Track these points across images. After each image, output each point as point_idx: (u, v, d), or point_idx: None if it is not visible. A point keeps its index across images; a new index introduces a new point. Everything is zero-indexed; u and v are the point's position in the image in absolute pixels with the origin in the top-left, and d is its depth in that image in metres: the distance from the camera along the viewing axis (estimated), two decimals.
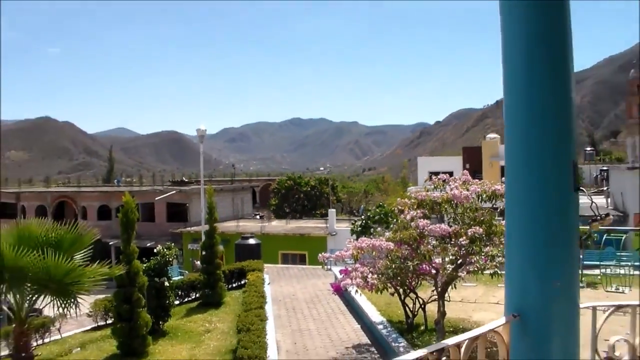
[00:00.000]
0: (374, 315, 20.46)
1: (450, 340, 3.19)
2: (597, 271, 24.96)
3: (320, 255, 17.00)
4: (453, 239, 15.22)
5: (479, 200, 16.03)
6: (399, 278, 15.79)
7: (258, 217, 64.35)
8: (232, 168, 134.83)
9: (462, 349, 3.17)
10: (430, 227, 14.96)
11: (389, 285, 16.62)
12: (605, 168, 57.20)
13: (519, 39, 3.20)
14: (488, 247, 15.08)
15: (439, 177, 17.11)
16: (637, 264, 24.63)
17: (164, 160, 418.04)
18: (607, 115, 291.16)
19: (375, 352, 17.50)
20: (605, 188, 53.93)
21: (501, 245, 15.29)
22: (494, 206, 17.27)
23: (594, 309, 5.21)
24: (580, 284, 24.53)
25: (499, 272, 15.40)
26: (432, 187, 16.74)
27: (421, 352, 2.97)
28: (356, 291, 17.02)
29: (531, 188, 3.14)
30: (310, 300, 24.95)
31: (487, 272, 15.58)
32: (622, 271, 23.86)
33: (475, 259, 15.10)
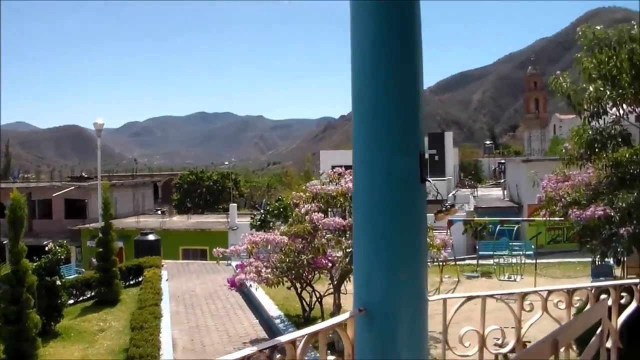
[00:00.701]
0: (272, 310, 20.38)
1: (285, 337, 3.06)
2: (491, 261, 25.63)
3: (214, 250, 16.77)
4: (348, 232, 15.26)
5: None
6: (293, 272, 15.71)
7: (160, 212, 63.21)
8: (135, 163, 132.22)
9: (300, 346, 3.04)
10: (324, 220, 14.94)
11: (285, 279, 16.54)
12: (502, 161, 58.79)
13: (368, 26, 3.13)
14: None
15: (334, 170, 17.17)
16: (529, 252, 25.36)
17: (65, 155, 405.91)
18: (507, 110, 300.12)
19: None
20: (502, 180, 55.49)
21: None
22: None
23: (445, 301, 5.19)
24: (475, 274, 25.17)
25: None
26: (328, 180, 16.75)
27: (249, 350, 2.83)
28: (252, 285, 16.87)
29: (377, 179, 3.07)
30: (209, 295, 24.63)
31: None
32: (514, 260, 24.55)
33: None
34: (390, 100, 3.04)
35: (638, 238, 11.68)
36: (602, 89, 13.07)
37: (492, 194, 55.60)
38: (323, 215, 15.25)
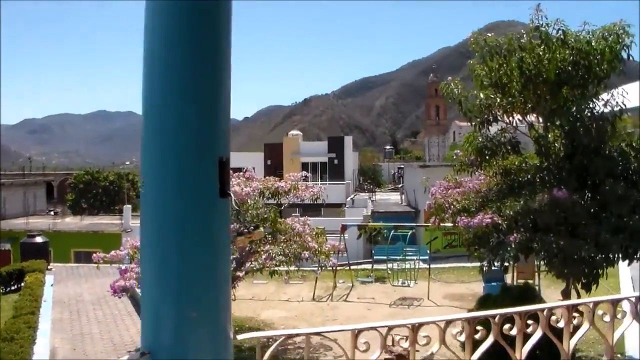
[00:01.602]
0: None
1: None
2: (386, 266, 25.61)
3: (94, 255, 15.95)
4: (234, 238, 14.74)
5: (262, 197, 15.72)
6: None
7: (52, 213, 60.92)
8: (29, 161, 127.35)
9: None
10: None
11: None
12: (402, 166, 59.46)
13: (162, 20, 2.63)
14: (268, 246, 14.77)
15: None
16: (423, 257, 25.44)
17: None
18: (409, 116, 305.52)
19: None
20: (400, 185, 56.06)
21: (284, 244, 15.09)
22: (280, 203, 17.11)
23: (258, 340, 4.68)
24: (369, 279, 25.08)
25: (278, 270, 15.21)
26: None
27: None
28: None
29: (166, 193, 2.54)
30: (97, 301, 23.57)
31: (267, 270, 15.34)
32: (408, 265, 24.59)
33: (254, 258, 14.77)
34: (183, 98, 2.54)
35: (524, 245, 11.66)
36: (492, 96, 13.08)
37: (390, 198, 56.11)
38: None
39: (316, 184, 57.85)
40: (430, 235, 28.04)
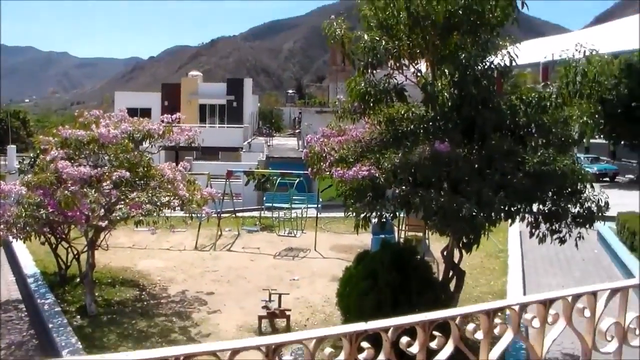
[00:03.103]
0: (28, 267, 18.38)
1: None
2: (274, 214, 24.74)
3: None
4: (96, 184, 13.46)
5: (131, 140, 14.44)
6: (35, 227, 13.60)
7: None
8: None
9: None
10: (67, 170, 12.99)
11: (35, 234, 14.46)
12: (300, 111, 58.47)
13: None
14: (135, 193, 13.54)
15: (91, 112, 15.22)
16: (312, 206, 24.63)
17: None
18: (316, 61, 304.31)
19: (24, 309, 15.61)
20: (298, 131, 55.15)
21: (152, 191, 13.91)
22: (176, 146, 15.93)
23: None
24: (255, 228, 24.18)
25: (145, 220, 14.05)
26: (84, 123, 14.79)
27: None
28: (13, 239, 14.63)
29: None
30: None
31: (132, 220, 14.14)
32: (295, 214, 23.78)
33: (121, 205, 13.54)
34: None
35: (403, 201, 10.87)
36: (377, 38, 12.08)
37: (287, 143, 55.19)
38: (69, 164, 13.27)
39: (213, 126, 56.78)
40: (325, 183, 27.20)
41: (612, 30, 62.09)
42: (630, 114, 38.81)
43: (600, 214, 11.45)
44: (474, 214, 10.10)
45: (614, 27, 65.67)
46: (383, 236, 15.98)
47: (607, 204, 11.40)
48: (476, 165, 11.01)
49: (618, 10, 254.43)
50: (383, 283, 11.60)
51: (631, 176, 43.62)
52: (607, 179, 41.70)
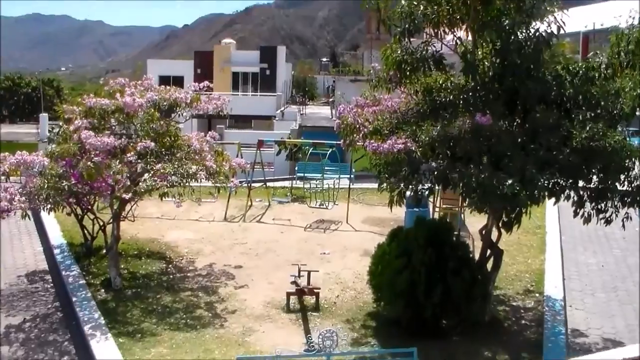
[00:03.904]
0: (55, 237, 18.09)
1: None
2: (307, 185, 24.21)
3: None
4: (120, 155, 13.02)
5: (157, 109, 13.96)
6: (51, 200, 13.17)
7: None
8: None
9: None
10: (91, 140, 12.55)
11: (58, 204, 14.07)
12: (334, 79, 57.74)
13: None
14: (161, 164, 13.08)
15: (116, 81, 14.75)
16: (346, 176, 24.05)
17: None
18: (351, 30, 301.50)
19: (50, 280, 15.36)
20: (331, 99, 54.46)
21: (177, 162, 13.45)
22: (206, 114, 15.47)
23: None
24: (286, 199, 23.72)
25: (171, 192, 13.59)
26: (109, 92, 14.34)
27: None
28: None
29: None
30: None
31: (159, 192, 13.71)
32: (326, 185, 23.21)
33: (146, 177, 13.10)
34: None
35: (441, 176, 10.26)
36: (415, 3, 11.39)
37: (321, 112, 54.59)
38: (92, 134, 12.82)
39: (246, 94, 56.36)
40: (359, 153, 26.59)
41: None
42: None
43: None
44: (515, 191, 9.47)
45: None
46: (417, 210, 15.37)
47: None
48: (519, 140, 10.36)
49: None
50: (418, 262, 11.11)
51: None
52: None
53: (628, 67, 11.22)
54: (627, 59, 11.18)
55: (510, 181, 9.52)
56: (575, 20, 41.02)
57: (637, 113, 11.40)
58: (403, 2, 11.42)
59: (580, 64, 11.56)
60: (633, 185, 10.66)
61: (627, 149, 10.35)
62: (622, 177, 10.57)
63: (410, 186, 10.54)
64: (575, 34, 47.05)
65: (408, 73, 11.73)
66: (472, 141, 9.97)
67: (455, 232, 12.16)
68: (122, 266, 15.39)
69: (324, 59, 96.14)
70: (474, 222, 17.87)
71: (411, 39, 11.72)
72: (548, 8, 11.27)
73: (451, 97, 11.19)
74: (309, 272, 13.57)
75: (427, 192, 10.98)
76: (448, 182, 10.26)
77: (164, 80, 34.21)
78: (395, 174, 10.54)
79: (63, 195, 13.31)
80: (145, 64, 72.12)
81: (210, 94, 15.39)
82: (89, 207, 16.48)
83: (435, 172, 10.44)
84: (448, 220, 14.55)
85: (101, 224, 16.29)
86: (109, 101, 13.62)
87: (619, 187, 10.66)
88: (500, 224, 11.16)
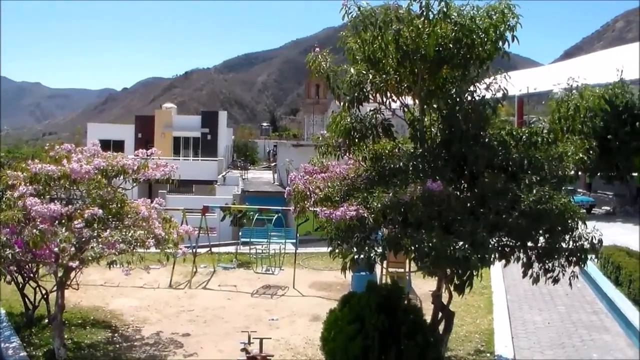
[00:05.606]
0: None
1: None
2: (252, 250, 24.10)
3: None
4: (67, 222, 12.80)
5: (104, 176, 13.83)
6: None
7: None
8: None
9: None
10: (37, 207, 12.33)
11: (4, 273, 13.74)
12: (275, 144, 58.15)
13: None
14: (108, 231, 12.88)
15: (62, 146, 14.60)
16: (290, 241, 24.04)
17: None
18: (290, 94, 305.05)
19: None
20: (273, 164, 54.72)
21: (125, 230, 13.27)
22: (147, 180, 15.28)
23: None
24: (232, 265, 23.52)
25: (118, 261, 13.38)
26: (55, 158, 14.16)
27: None
28: None
29: None
30: None
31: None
32: (272, 251, 23.16)
33: (93, 244, 12.86)
34: None
35: (393, 242, 10.36)
36: (364, 72, 11.67)
37: (263, 176, 54.68)
38: (38, 201, 12.60)
39: (187, 159, 56.20)
40: (302, 217, 26.67)
41: (583, 64, 62.59)
42: (606, 146, 38.83)
43: (594, 251, 11.11)
44: (467, 255, 9.62)
45: (585, 61, 66.18)
46: (364, 273, 15.44)
47: (600, 241, 11.08)
48: (469, 204, 10.58)
49: (586, 45, 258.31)
50: (371, 327, 11.05)
51: (607, 208, 43.58)
52: (584, 211, 41.51)
53: (569, 132, 11.65)
54: (567, 124, 11.62)
55: (461, 244, 9.69)
56: (511, 85, 42.65)
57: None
58: (352, 70, 11.68)
59: (523, 129, 11.95)
60: (577, 244, 10.94)
61: (571, 210, 10.67)
62: (567, 237, 10.85)
63: (363, 252, 10.59)
64: (510, 97, 48.64)
65: (357, 140, 11.95)
66: (423, 207, 10.11)
67: (407, 298, 12.19)
68: (67, 336, 14.91)
69: (264, 124, 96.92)
70: (420, 284, 18.04)
71: (360, 107, 11.96)
72: (492, 77, 11.70)
73: (401, 163, 11.36)
74: (261, 340, 13.40)
75: (379, 258, 11.02)
76: (400, 247, 10.34)
77: (105, 144, 33.81)
78: (347, 240, 10.59)
79: (5, 263, 12.98)
80: (84, 127, 71.49)
81: (157, 159, 15.28)
82: (31, 274, 16.05)
83: (387, 239, 10.53)
84: (400, 285, 14.60)
85: (44, 292, 15.86)
86: (55, 167, 13.42)
87: (564, 247, 10.94)
88: (452, 287, 11.27)
